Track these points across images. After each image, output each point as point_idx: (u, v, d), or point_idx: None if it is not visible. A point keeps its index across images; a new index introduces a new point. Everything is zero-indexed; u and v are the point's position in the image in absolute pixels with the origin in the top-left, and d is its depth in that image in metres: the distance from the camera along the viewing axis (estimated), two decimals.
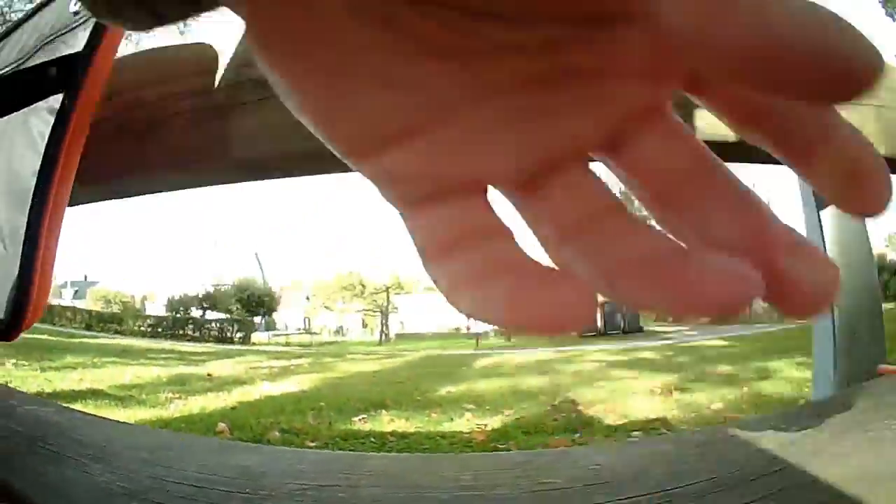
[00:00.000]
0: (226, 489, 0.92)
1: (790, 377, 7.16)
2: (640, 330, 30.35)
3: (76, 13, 1.09)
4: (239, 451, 1.20)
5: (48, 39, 1.13)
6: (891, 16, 20.11)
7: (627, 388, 7.50)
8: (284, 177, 1.42)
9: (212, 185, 1.47)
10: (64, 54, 1.08)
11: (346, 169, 1.04)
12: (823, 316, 1.63)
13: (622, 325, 30.21)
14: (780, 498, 0.78)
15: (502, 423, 5.64)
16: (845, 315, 1.55)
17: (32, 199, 1.02)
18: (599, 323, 30.41)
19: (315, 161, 1.27)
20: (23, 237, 1.00)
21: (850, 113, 1.40)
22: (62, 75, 1.06)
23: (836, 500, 0.77)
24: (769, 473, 0.84)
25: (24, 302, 1.01)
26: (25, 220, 1.01)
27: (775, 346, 11.79)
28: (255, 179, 1.46)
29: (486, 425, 5.52)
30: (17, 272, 1.01)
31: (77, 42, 1.07)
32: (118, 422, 1.50)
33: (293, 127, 0.97)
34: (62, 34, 1.10)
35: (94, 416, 1.42)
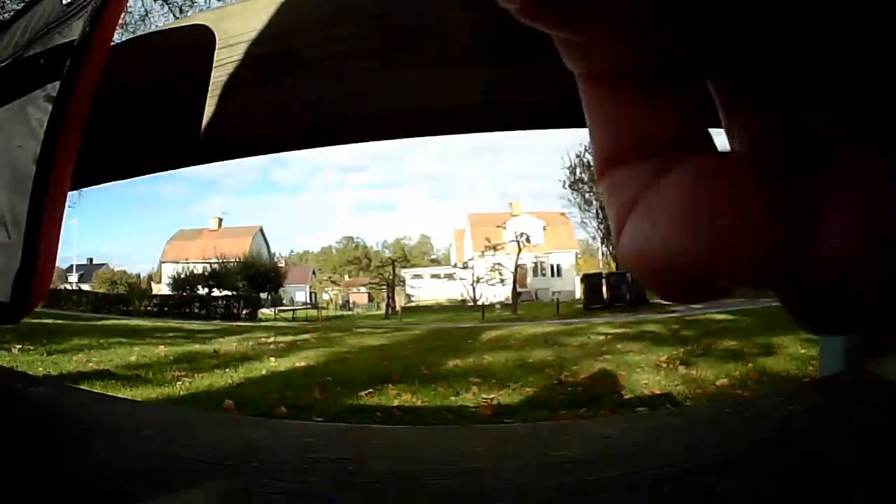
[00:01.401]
0: (233, 463, 0.92)
1: (796, 353, 7.17)
2: (646, 302, 30.32)
3: (69, 4, 1.09)
4: (245, 425, 1.20)
5: (42, 32, 1.13)
6: None
7: (633, 362, 7.52)
8: (283, 150, 1.42)
9: (214, 161, 1.48)
10: (59, 43, 1.08)
11: (347, 140, 1.04)
12: None
13: (627, 297, 30.20)
14: (788, 473, 0.78)
15: (509, 398, 5.65)
16: None
17: (33, 186, 1.02)
18: (605, 295, 30.45)
19: (313, 134, 1.27)
20: (25, 223, 1.01)
21: None
22: (58, 64, 1.06)
23: (843, 475, 0.77)
24: (777, 449, 0.84)
25: (27, 286, 1.01)
26: (27, 205, 1.01)
27: (781, 321, 11.77)
28: (257, 154, 1.46)
29: (492, 399, 5.53)
30: (20, 257, 1.01)
31: (72, 32, 1.07)
32: (124, 399, 1.51)
33: (291, 103, 0.96)
34: (56, 26, 1.11)
35: (100, 394, 1.43)
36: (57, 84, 1.05)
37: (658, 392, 5.62)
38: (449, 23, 1.20)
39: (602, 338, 11.46)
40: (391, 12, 1.21)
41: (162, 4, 23.67)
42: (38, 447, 0.95)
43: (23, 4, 1.26)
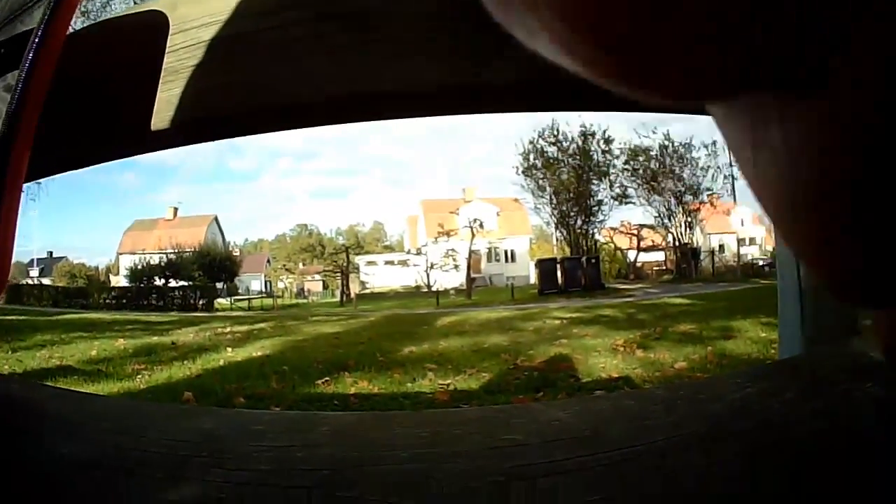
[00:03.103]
0: (185, 453, 0.91)
1: (755, 337, 7.23)
2: (602, 287, 30.50)
3: None
4: (199, 415, 1.19)
5: (6, 20, 1.11)
6: None
7: (590, 346, 7.55)
8: (237, 135, 1.41)
9: (168, 147, 1.46)
10: (18, 32, 1.07)
11: (297, 125, 1.02)
12: (789, 275, 1.63)
13: (582, 282, 30.36)
14: (744, 456, 0.78)
15: (465, 383, 5.67)
16: (811, 274, 1.54)
17: None
18: (560, 280, 30.60)
19: (267, 118, 1.26)
20: None
21: None
22: (15, 53, 1.04)
23: (801, 458, 0.76)
24: (734, 432, 0.84)
25: None
26: None
27: (739, 305, 11.90)
28: (212, 139, 1.44)
29: (448, 385, 5.55)
30: None
31: (32, 21, 1.05)
32: (84, 394, 1.50)
33: (242, 85, 0.94)
34: (19, 14, 1.09)
35: (63, 389, 1.42)
36: (16, 73, 1.03)
37: (616, 375, 5.65)
38: (404, 8, 1.19)
39: (558, 322, 11.55)
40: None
41: None
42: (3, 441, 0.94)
43: None
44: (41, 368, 7.42)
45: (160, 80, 1.26)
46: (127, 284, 45.29)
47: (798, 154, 0.20)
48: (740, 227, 54.53)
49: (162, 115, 1.25)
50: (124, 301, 38.05)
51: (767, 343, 6.55)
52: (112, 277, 56.68)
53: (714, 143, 45.00)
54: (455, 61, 1.16)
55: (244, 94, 1.20)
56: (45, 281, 51.43)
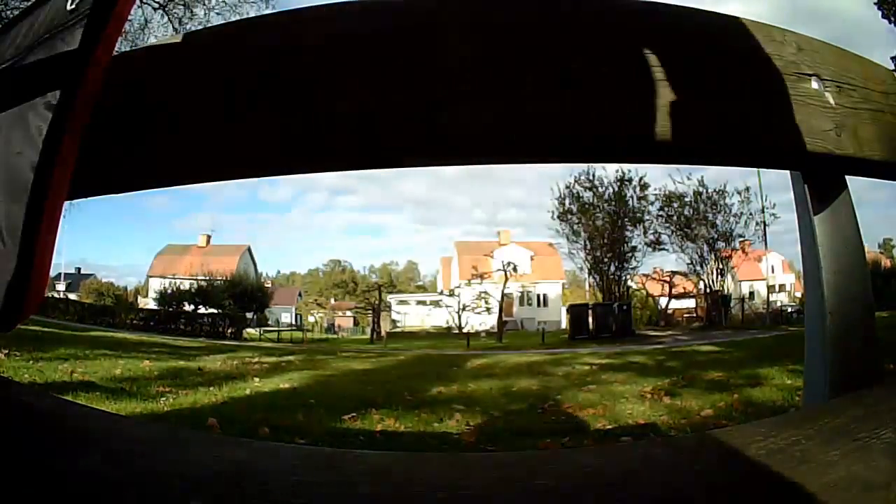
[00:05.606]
0: (222, 483, 0.93)
1: (782, 384, 7.16)
2: (632, 333, 30.32)
3: (72, 10, 1.09)
4: (234, 445, 1.20)
5: (45, 37, 1.12)
6: (887, 18, 20.04)
7: (618, 392, 7.50)
8: (279, 174, 1.42)
9: (206, 180, 1.47)
10: (61, 51, 1.08)
11: (338, 166, 1.05)
12: (816, 323, 1.63)
13: (613, 328, 30.19)
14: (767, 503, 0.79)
15: (492, 425, 5.64)
16: (837, 322, 1.55)
17: (31, 194, 1.02)
18: (591, 325, 30.48)
19: (315, 155, 1.27)
20: (21, 231, 1.01)
21: (847, 117, 1.40)
22: (60, 72, 1.06)
23: None
24: (758, 480, 0.85)
25: (21, 294, 1.01)
26: (24, 214, 1.01)
27: (767, 352, 11.79)
28: (250, 176, 1.46)
29: (475, 426, 5.52)
30: (14, 265, 1.01)
31: (74, 39, 1.06)
32: (113, 414, 1.51)
33: (292, 123, 0.97)
34: (59, 31, 1.10)
35: (90, 407, 1.42)
36: (58, 93, 1.05)
37: (642, 422, 5.62)
38: (458, 53, 1.20)
39: (587, 368, 11.46)
40: (392, 45, 1.21)
41: (162, 15, 23.77)
42: (23, 456, 0.95)
43: (27, 4, 1.25)
44: (62, 381, 7.48)
45: (206, 111, 1.26)
46: (155, 307, 45.54)
47: None
48: (770, 273, 54.09)
49: (217, 148, 1.26)
50: (152, 323, 38.36)
51: (793, 390, 6.49)
52: (140, 299, 57.02)
53: (747, 188, 44.77)
54: (503, 108, 1.17)
55: (300, 133, 1.21)
56: (72, 296, 51.76)
